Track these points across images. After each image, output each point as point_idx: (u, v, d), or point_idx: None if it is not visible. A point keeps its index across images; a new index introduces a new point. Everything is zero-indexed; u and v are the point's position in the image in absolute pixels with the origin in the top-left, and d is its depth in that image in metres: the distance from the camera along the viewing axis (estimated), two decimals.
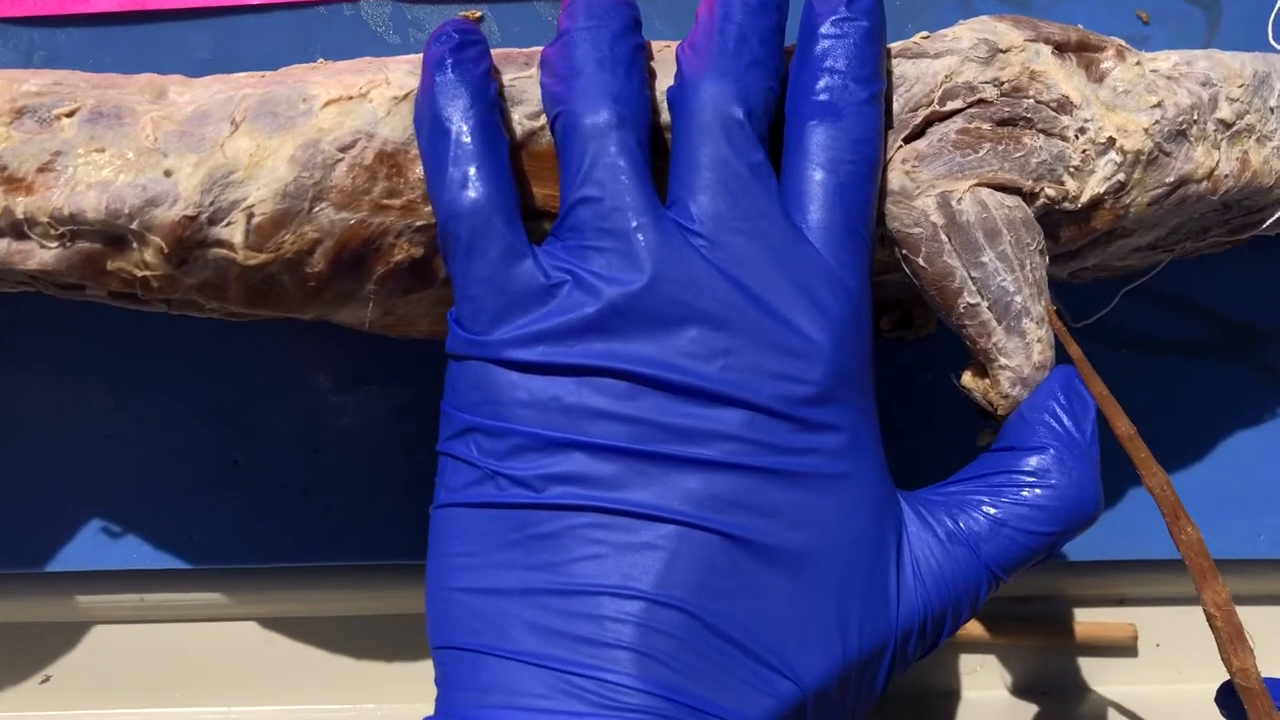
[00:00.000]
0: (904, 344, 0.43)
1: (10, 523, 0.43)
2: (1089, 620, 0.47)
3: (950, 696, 0.47)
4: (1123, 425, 0.35)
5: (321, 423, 0.43)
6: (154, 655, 0.46)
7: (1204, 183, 0.37)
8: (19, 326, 0.43)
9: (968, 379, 0.36)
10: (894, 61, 0.35)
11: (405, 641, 0.46)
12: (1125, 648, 0.48)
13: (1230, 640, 0.33)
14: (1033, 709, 0.47)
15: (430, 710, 0.34)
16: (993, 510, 0.34)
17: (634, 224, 0.31)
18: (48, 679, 0.46)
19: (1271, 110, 0.38)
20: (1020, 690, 0.47)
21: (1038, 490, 0.34)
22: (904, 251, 0.35)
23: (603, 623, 0.30)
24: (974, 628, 0.46)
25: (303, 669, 0.46)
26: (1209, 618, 0.34)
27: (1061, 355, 0.36)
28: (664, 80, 0.34)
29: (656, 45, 0.35)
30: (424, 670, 0.46)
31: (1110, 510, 0.45)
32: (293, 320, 0.37)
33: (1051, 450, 0.34)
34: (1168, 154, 0.37)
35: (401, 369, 0.43)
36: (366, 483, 0.44)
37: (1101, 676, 0.48)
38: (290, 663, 0.46)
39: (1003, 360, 0.35)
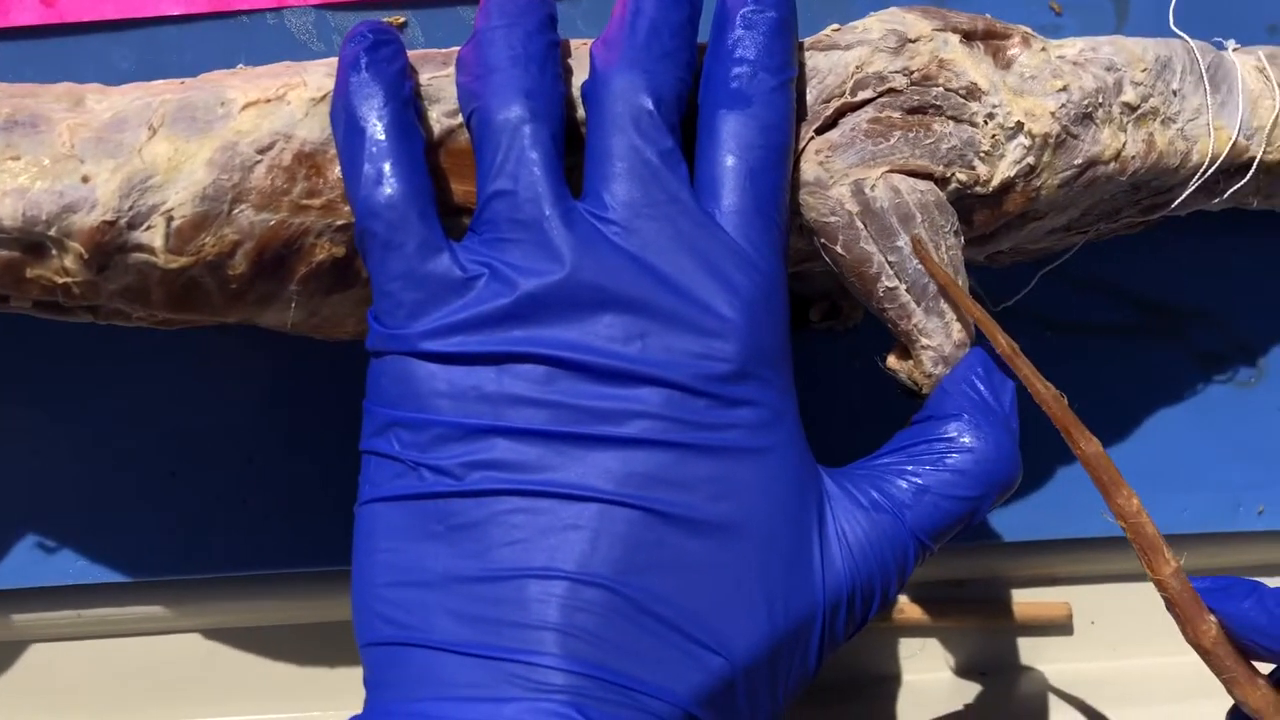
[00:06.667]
0: (833, 335, 0.44)
1: None
2: (1024, 600, 0.48)
3: (891, 680, 0.48)
4: (1003, 342, 0.35)
5: (256, 431, 0.43)
6: (94, 672, 0.46)
7: (1111, 164, 0.38)
8: None
9: (892, 361, 0.37)
10: (806, 54, 0.36)
11: (352, 648, 0.46)
12: (1061, 626, 0.48)
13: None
14: (973, 689, 0.48)
15: None
16: (915, 478, 0.35)
17: (547, 214, 0.32)
18: None
19: (1174, 93, 0.39)
20: (960, 671, 0.48)
21: (956, 455, 0.35)
22: (822, 240, 0.36)
23: (527, 606, 0.30)
24: (912, 611, 0.47)
25: (249, 679, 0.46)
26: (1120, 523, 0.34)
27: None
28: (580, 77, 0.35)
29: (575, 43, 0.36)
30: None
31: (1041, 490, 0.46)
32: (222, 327, 0.37)
33: (967, 416, 0.35)
34: (1075, 136, 0.37)
35: (335, 373, 0.43)
36: (304, 490, 0.44)
37: (1039, 655, 0.48)
38: (236, 674, 0.46)
39: (924, 340, 0.36)
